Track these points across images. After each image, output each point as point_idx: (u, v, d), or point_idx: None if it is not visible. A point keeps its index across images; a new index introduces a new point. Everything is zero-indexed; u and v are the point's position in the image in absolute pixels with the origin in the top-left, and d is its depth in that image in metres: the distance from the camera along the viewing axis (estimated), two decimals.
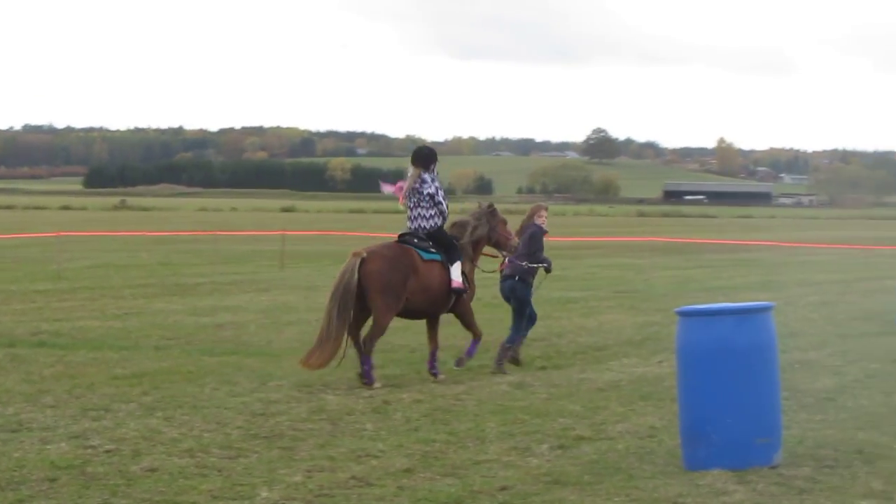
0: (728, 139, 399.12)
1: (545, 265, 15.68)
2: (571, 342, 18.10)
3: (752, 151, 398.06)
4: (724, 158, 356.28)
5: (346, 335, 13.94)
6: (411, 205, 14.69)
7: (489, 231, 15.34)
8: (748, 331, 9.64)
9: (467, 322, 15.09)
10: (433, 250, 14.52)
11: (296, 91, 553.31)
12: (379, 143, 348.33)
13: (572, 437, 11.03)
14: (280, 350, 16.86)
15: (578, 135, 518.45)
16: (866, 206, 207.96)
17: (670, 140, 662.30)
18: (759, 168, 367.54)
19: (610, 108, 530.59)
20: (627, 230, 75.47)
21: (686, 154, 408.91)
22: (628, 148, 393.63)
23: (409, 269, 14.17)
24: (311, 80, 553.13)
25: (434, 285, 14.44)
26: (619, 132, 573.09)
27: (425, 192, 14.58)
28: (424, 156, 14.89)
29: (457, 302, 14.76)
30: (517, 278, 15.46)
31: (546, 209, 16.18)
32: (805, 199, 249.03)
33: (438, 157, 15.16)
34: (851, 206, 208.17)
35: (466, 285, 14.83)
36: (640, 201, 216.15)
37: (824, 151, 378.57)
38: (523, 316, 15.58)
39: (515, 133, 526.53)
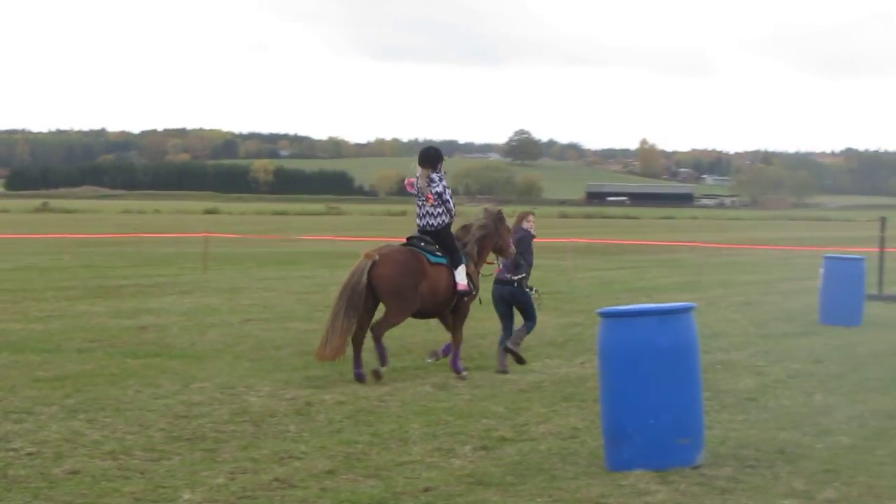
0: (650, 140, 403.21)
1: (524, 274, 15.85)
2: (494, 343, 18.02)
3: (674, 153, 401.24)
4: (647, 160, 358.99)
5: (352, 332, 14.33)
6: (419, 203, 15.05)
7: (496, 237, 15.61)
8: (670, 331, 9.69)
9: (459, 324, 15.27)
10: (439, 254, 14.92)
11: (218, 93, 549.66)
12: (302, 145, 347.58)
13: (495, 439, 11.02)
14: (203, 352, 16.74)
15: (501, 136, 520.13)
16: (787, 207, 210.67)
17: (593, 141, 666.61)
18: (682, 169, 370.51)
19: (533, 110, 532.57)
20: (550, 231, 75.60)
21: (609, 155, 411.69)
22: (551, 149, 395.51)
23: (419, 274, 14.61)
24: (234, 82, 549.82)
25: (441, 288, 14.87)
26: (541, 134, 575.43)
27: (434, 191, 14.89)
28: (431, 156, 15.15)
29: (458, 303, 15.14)
30: (515, 284, 15.78)
31: (534, 215, 16.57)
32: (727, 200, 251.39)
33: (416, 158, 15.19)
34: (773, 206, 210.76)
35: (471, 287, 15.21)
36: (563, 202, 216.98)
37: (746, 152, 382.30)
38: (532, 315, 15.97)
39: (438, 135, 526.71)
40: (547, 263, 40.65)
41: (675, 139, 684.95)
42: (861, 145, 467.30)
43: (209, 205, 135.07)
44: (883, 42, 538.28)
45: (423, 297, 14.67)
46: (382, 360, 14.53)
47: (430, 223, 14.99)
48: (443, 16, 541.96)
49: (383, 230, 73.74)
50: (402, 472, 9.68)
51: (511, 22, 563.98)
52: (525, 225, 16.15)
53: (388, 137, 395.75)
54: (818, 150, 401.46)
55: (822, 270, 21.69)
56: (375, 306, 14.62)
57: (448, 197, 14.98)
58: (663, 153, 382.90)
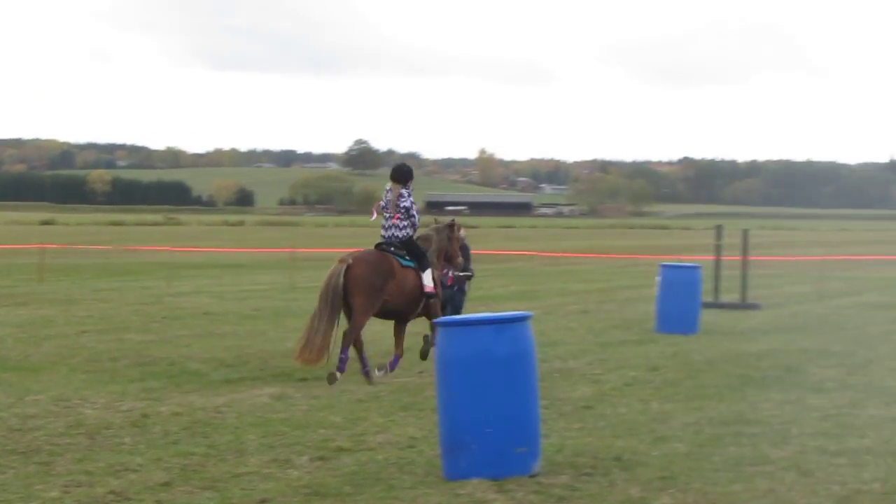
0: (489, 150, 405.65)
1: (471, 274, 18.40)
2: (332, 353, 18.00)
3: (513, 162, 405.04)
4: (486, 169, 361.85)
5: (332, 333, 15.12)
6: (387, 215, 15.97)
7: (448, 245, 16.85)
8: (507, 340, 9.71)
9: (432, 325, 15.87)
10: (408, 258, 15.92)
11: (54, 103, 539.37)
12: (139, 155, 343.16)
13: (332, 449, 10.96)
14: (38, 364, 16.42)
15: (340, 146, 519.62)
16: (625, 216, 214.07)
17: (432, 151, 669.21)
18: (520, 178, 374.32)
19: (372, 119, 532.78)
20: None
21: (448, 165, 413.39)
22: (390, 159, 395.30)
23: (388, 273, 15.56)
24: (70, 92, 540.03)
25: (409, 289, 15.87)
26: (381, 143, 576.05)
27: (402, 206, 15.87)
28: (405, 173, 16.22)
29: (426, 305, 16.20)
30: (456, 289, 17.68)
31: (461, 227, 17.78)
32: (565, 209, 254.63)
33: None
34: (611, 215, 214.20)
35: (438, 290, 16.36)
36: None
37: (584, 162, 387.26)
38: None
39: (277, 144, 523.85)
40: None
41: (514, 148, 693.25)
42: (698, 154, 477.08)
43: (45, 216, 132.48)
44: (718, 51, 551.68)
45: (391, 295, 15.63)
46: (365, 369, 15.52)
47: (395, 234, 15.93)
48: (281, 25, 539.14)
49: (221, 240, 73.02)
50: (238, 483, 9.56)
51: (349, 31, 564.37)
52: (461, 234, 17.52)
53: (227, 147, 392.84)
54: (655, 158, 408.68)
55: (658, 278, 22.04)
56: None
57: (414, 212, 16.01)
58: (502, 162, 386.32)
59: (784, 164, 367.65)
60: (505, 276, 41.16)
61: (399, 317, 16.32)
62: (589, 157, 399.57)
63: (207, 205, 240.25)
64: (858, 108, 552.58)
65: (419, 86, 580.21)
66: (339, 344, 15.41)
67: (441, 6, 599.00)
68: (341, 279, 15.23)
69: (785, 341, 20.18)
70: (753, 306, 27.14)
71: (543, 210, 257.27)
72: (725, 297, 28.21)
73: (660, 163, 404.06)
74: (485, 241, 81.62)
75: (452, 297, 17.62)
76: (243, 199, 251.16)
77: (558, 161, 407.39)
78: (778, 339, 20.47)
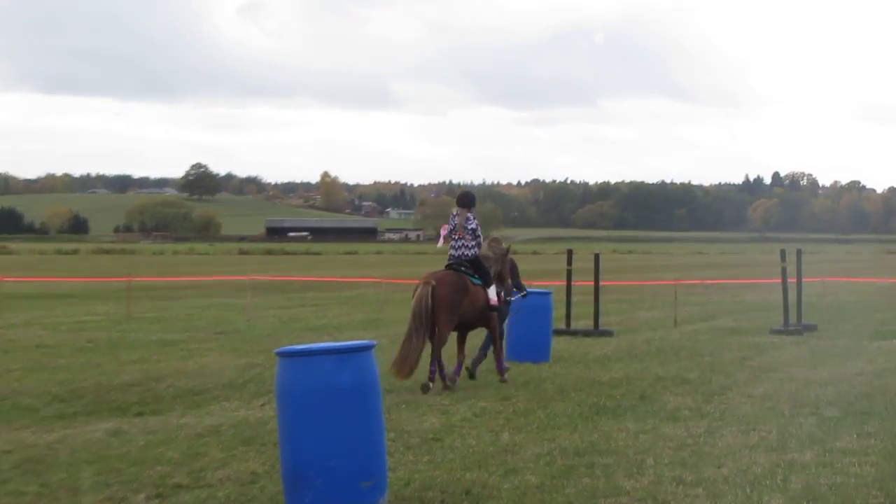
0: (332, 173, 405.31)
1: (525, 292, 21.02)
2: (170, 386, 17.81)
3: (357, 185, 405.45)
4: (329, 193, 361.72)
5: (422, 350, 17.50)
6: (456, 236, 18.61)
7: (501, 268, 19.36)
8: (350, 370, 9.67)
9: (494, 335, 19.12)
10: (476, 276, 18.51)
11: None
12: None
13: (170, 486, 10.83)
14: None
15: (178, 170, 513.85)
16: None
17: (273, 175, 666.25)
18: (365, 203, 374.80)
19: (210, 143, 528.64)
20: (229, 269, 75.25)
21: (289, 189, 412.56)
22: (230, 183, 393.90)
23: (465, 291, 18.14)
24: None
25: (479, 304, 18.49)
26: (220, 167, 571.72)
27: (469, 228, 18.59)
28: (470, 198, 19.07)
29: (489, 318, 18.82)
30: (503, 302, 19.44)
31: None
32: (412, 234, 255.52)
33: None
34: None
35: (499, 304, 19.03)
36: (242, 238, 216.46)
37: (430, 185, 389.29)
38: (503, 334, 19.70)
39: (111, 169, 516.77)
40: (225, 302, 40.35)
41: (358, 172, 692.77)
42: (547, 176, 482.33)
43: None
44: (567, 72, 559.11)
45: (466, 310, 18.20)
46: (442, 375, 18.09)
47: (465, 254, 18.57)
48: (114, 47, 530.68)
49: (54, 269, 71.60)
50: None
51: (186, 52, 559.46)
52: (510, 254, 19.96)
53: (59, 173, 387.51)
54: (504, 181, 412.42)
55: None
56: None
57: (479, 233, 18.73)
58: (346, 186, 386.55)
59: (637, 185, 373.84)
60: (349, 303, 41.09)
61: (467, 328, 18.92)
62: (435, 180, 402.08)
63: (40, 232, 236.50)
64: (713, 127, 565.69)
65: (259, 108, 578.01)
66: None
67: (281, 25, 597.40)
68: (429, 300, 17.71)
69: (639, 369, 20.44)
70: (606, 333, 27.45)
71: (389, 235, 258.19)
72: (577, 324, 28.50)
73: (509, 185, 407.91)
74: (328, 268, 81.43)
75: (500, 310, 19.36)
76: (77, 227, 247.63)
77: (403, 184, 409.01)
78: (632, 367, 20.73)
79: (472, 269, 18.53)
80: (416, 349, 17.40)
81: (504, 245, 19.70)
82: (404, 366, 17.28)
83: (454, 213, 18.73)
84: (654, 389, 17.59)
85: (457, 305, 17.96)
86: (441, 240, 18.97)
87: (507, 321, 20.38)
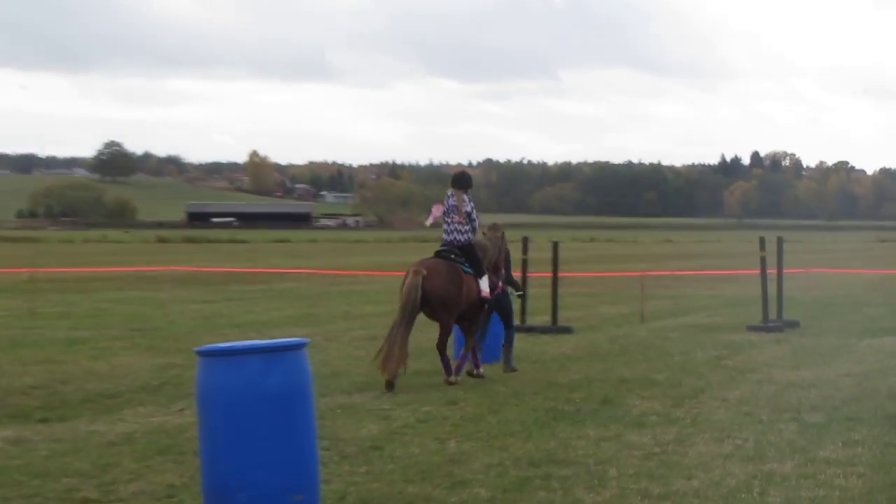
0: (262, 153, 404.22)
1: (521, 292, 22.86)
2: (78, 389, 17.75)
3: (289, 166, 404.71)
4: (258, 175, 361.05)
5: (408, 341, 18.35)
6: (448, 220, 19.35)
7: (497, 255, 20.20)
8: (279, 372, 9.66)
9: (473, 329, 19.70)
10: (467, 265, 19.17)
11: None
12: None
13: (78, 500, 10.82)
14: None
15: (88, 149, 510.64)
16: (419, 227, 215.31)
17: (196, 154, 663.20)
18: (298, 185, 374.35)
19: (124, 120, 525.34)
20: (146, 258, 74.92)
21: (214, 170, 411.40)
22: (146, 163, 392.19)
23: (459, 281, 18.88)
24: None
25: (473, 295, 19.19)
26: (135, 146, 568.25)
27: (464, 210, 19.25)
28: (466, 179, 19.70)
29: (478, 311, 19.61)
30: (503, 292, 20.46)
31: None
32: (350, 220, 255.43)
33: None
34: (403, 226, 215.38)
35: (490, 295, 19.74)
36: (161, 225, 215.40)
37: (371, 165, 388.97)
38: (512, 323, 20.92)
39: (14, 148, 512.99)
40: (142, 296, 40.18)
41: (290, 151, 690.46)
42: (501, 156, 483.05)
43: None
44: (519, 41, 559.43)
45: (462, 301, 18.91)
46: (448, 370, 18.95)
47: (458, 238, 19.27)
48: (15, 11, 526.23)
49: None
50: None
51: (97, 19, 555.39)
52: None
53: None
54: (453, 161, 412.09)
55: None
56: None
57: (475, 216, 19.38)
58: (277, 167, 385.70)
59: (601, 166, 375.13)
60: (280, 297, 41.02)
61: (464, 321, 19.52)
62: (376, 160, 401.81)
63: None
64: (686, 102, 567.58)
65: (179, 80, 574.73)
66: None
67: None
68: (419, 291, 18.45)
69: (602, 370, 20.52)
70: (565, 330, 27.51)
71: (325, 221, 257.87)
72: (533, 320, 28.54)
73: (458, 166, 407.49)
74: (256, 257, 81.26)
75: (498, 301, 20.24)
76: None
77: (341, 165, 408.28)
78: (593, 368, 20.80)
79: (462, 256, 19.23)
80: (401, 343, 18.11)
81: (500, 232, 20.59)
82: (390, 361, 17.93)
83: (449, 193, 19.45)
84: (619, 392, 17.67)
85: (455, 296, 18.81)
86: (432, 218, 19.84)
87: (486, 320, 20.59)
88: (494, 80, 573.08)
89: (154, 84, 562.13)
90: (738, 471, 12.03)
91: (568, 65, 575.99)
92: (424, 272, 18.62)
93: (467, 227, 19.27)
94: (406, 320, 18.37)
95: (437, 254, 19.29)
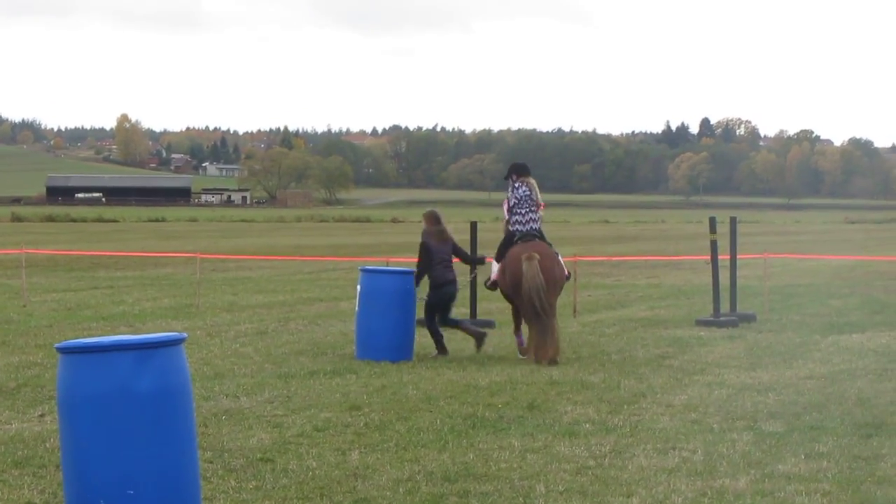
0: (133, 117, 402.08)
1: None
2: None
3: (164, 133, 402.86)
4: (129, 143, 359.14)
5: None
6: (524, 210, 22.47)
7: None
8: (152, 372, 9.63)
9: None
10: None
11: None
12: None
13: None
14: None
15: None
16: (315, 205, 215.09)
17: (55, 118, 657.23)
18: (175, 155, 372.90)
19: None
20: None
21: (77, 137, 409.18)
22: None
23: (561, 264, 22.25)
24: None
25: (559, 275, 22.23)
26: None
27: (535, 199, 22.41)
28: (527, 167, 23.01)
29: None
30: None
31: None
32: (236, 196, 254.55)
33: None
34: (297, 203, 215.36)
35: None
36: (16, 201, 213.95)
37: (260, 132, 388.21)
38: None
39: None
40: None
41: (165, 116, 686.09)
42: (410, 123, 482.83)
43: None
44: None
45: None
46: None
47: (534, 227, 22.37)
48: None
49: None
50: None
51: None
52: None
53: None
54: (355, 128, 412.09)
55: (359, 287, 22.15)
56: None
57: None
58: (150, 134, 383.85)
59: (527, 135, 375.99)
60: (154, 285, 40.86)
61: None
62: (265, 127, 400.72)
63: None
64: (626, 64, 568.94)
65: (30, 27, 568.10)
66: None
67: None
68: (541, 275, 21.26)
69: (527, 370, 20.58)
70: (486, 324, 27.55)
71: (207, 197, 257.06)
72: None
73: (362, 133, 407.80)
74: (127, 239, 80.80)
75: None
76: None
77: (225, 131, 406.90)
78: (518, 368, 20.86)
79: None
80: (552, 331, 21.29)
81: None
82: (547, 351, 21.17)
83: (516, 184, 22.63)
84: (547, 397, 17.73)
85: (563, 278, 22.37)
86: (506, 213, 22.79)
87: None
88: (399, 32, 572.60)
89: (1, 34, 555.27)
90: (684, 487, 12.12)
91: (483, 14, 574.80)
92: (537, 256, 21.46)
93: (539, 215, 22.67)
94: (546, 302, 21.21)
95: (526, 237, 22.29)
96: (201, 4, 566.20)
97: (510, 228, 22.61)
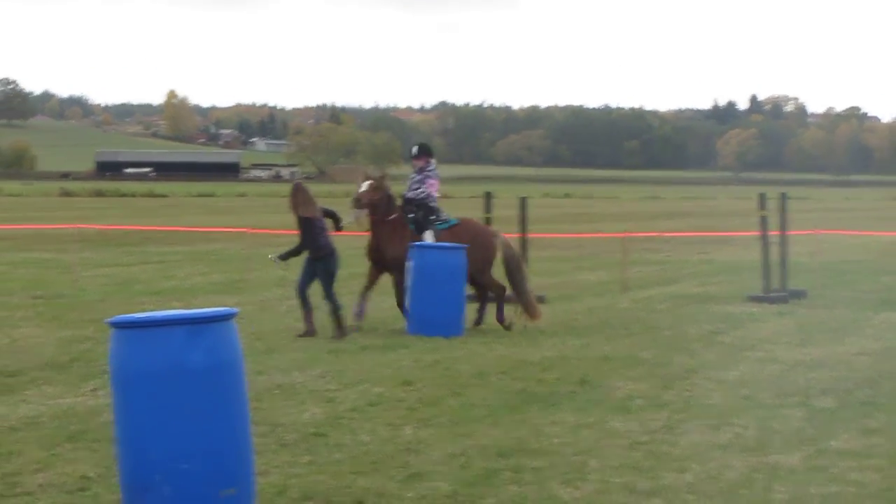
0: (181, 93, 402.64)
1: None
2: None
3: (213, 109, 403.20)
4: (177, 119, 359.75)
5: None
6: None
7: None
8: (204, 346, 9.64)
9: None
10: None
11: None
12: None
13: None
14: None
15: None
16: (364, 179, 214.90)
17: (104, 95, 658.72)
18: (224, 131, 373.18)
19: (19, 53, 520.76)
20: (48, 215, 74.60)
21: (126, 113, 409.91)
22: (47, 105, 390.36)
23: None
24: None
25: None
26: (33, 84, 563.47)
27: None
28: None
29: None
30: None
31: None
32: (285, 172, 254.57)
33: None
34: (345, 178, 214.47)
35: None
36: (65, 176, 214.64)
37: (308, 108, 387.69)
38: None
39: None
40: (45, 258, 40.01)
41: (215, 92, 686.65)
42: (459, 99, 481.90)
43: None
44: None
45: None
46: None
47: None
48: None
49: None
50: None
51: None
52: None
53: None
54: (403, 104, 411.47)
55: (409, 263, 22.16)
56: None
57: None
58: (198, 109, 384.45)
59: (574, 111, 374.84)
60: (204, 260, 40.93)
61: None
62: (314, 103, 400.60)
63: None
64: (674, 39, 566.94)
65: (81, 5, 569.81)
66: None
67: None
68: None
69: (579, 346, 20.57)
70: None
71: (256, 173, 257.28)
72: None
73: (409, 110, 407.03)
74: (177, 214, 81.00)
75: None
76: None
77: (273, 107, 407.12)
78: (569, 343, 20.86)
79: None
80: (532, 294, 23.57)
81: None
82: (537, 312, 23.15)
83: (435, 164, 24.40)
84: (599, 372, 17.72)
85: None
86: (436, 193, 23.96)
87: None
88: (445, 8, 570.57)
89: (50, 9, 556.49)
90: (737, 463, 12.09)
91: None
92: (496, 232, 24.17)
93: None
94: (522, 271, 23.54)
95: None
96: None
97: (431, 205, 23.66)
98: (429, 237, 22.99)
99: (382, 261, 23.12)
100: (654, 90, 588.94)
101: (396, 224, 23.06)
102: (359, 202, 22.99)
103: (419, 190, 23.59)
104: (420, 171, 23.86)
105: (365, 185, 23.21)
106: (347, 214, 22.96)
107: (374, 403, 15.23)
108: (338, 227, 22.81)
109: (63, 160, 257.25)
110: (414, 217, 23.27)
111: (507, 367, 18.21)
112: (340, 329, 21.34)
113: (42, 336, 21.05)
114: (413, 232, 23.06)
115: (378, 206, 22.99)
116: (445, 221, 23.51)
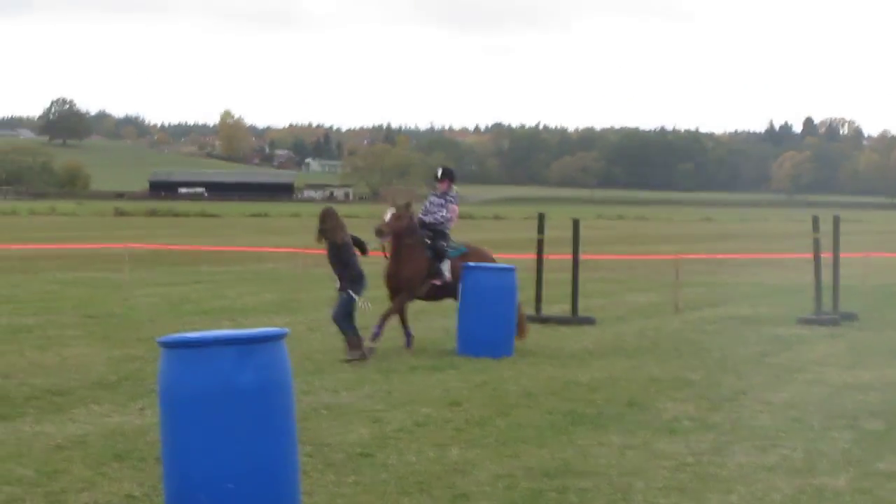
0: (236, 113, 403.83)
1: None
2: (23, 384, 17.74)
3: (268, 130, 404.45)
4: (232, 139, 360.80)
5: None
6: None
7: None
8: (254, 366, 9.68)
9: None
10: None
11: None
12: None
13: None
14: None
15: (35, 108, 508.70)
16: (420, 201, 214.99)
17: (158, 114, 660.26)
18: (279, 151, 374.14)
19: (76, 73, 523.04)
20: (101, 234, 74.94)
21: (181, 132, 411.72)
22: (102, 124, 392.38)
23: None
24: None
25: None
26: (89, 104, 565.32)
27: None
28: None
29: None
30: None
31: None
32: (339, 192, 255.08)
33: None
34: (401, 199, 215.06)
35: None
36: (120, 195, 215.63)
37: (362, 129, 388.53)
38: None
39: None
40: (96, 277, 40.18)
41: (269, 112, 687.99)
42: (514, 120, 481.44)
43: None
44: None
45: None
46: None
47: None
48: None
49: None
50: None
51: None
52: None
53: None
54: (457, 126, 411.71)
55: (461, 284, 22.19)
56: None
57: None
58: (253, 130, 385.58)
59: (629, 133, 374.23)
60: (256, 280, 40.99)
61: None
62: (369, 124, 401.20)
63: None
64: (729, 62, 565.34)
65: (136, 27, 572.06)
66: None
67: None
68: None
69: (628, 367, 20.55)
70: (586, 321, 27.51)
71: (309, 193, 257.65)
72: (550, 309, 28.53)
73: (464, 131, 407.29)
74: (230, 234, 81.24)
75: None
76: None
77: (328, 128, 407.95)
78: (618, 365, 20.84)
79: None
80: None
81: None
82: (524, 327, 23.31)
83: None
84: (647, 394, 17.71)
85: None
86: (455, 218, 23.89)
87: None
88: (500, 30, 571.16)
89: (106, 31, 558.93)
90: (783, 485, 12.08)
91: (583, 12, 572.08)
92: None
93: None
94: None
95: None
96: (300, 3, 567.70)
97: (445, 231, 23.53)
98: (445, 268, 22.94)
99: (398, 286, 23.07)
100: (710, 112, 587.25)
101: (415, 247, 22.95)
102: (380, 233, 22.93)
103: (440, 215, 23.55)
104: (442, 195, 23.85)
105: (388, 215, 23.05)
106: (372, 241, 22.99)
107: (421, 424, 15.26)
108: (363, 252, 22.82)
109: (117, 180, 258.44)
110: (431, 242, 23.20)
111: (555, 387, 18.22)
112: (354, 349, 21.24)
113: (92, 355, 21.14)
114: (429, 256, 23.03)
115: (401, 234, 22.90)
116: (456, 249, 23.40)
